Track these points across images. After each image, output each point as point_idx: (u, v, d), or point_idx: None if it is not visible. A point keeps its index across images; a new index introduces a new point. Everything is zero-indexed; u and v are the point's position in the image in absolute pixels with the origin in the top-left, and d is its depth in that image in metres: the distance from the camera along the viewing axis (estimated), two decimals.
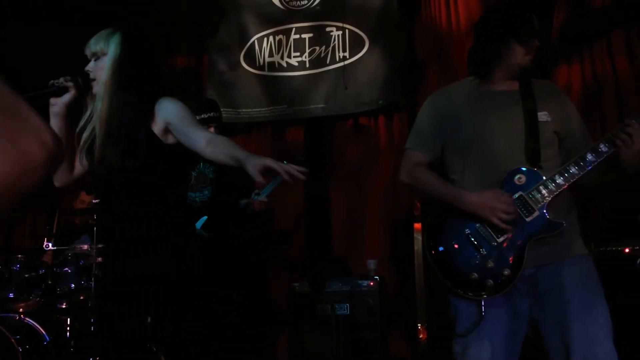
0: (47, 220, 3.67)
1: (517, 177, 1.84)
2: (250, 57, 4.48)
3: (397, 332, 3.93)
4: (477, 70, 1.99)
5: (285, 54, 4.41)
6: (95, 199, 3.32)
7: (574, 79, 3.69)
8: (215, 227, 3.04)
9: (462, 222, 1.87)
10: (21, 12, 4.15)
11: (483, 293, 1.82)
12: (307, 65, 4.35)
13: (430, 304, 3.78)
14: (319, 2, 4.38)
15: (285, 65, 4.41)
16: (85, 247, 3.36)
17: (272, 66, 4.44)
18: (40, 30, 4.12)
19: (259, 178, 1.71)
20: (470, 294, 1.84)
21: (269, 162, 1.72)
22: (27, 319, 3.13)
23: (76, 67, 2.00)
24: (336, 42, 4.29)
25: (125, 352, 1.93)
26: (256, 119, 4.43)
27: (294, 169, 1.74)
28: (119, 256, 1.97)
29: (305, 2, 4.41)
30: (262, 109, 4.41)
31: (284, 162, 3.30)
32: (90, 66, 1.96)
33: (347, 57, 4.25)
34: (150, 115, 1.91)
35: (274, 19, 4.47)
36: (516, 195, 1.84)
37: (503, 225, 1.79)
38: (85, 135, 1.97)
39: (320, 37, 4.34)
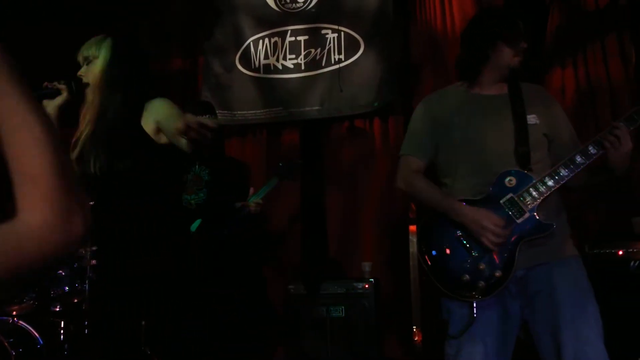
0: None
1: (507, 179, 1.86)
2: (246, 59, 4.49)
3: (392, 335, 3.93)
4: (466, 74, 2.02)
5: (281, 56, 4.41)
6: (90, 201, 3.31)
7: (567, 81, 3.71)
8: (211, 229, 3.04)
9: (454, 224, 1.88)
10: (21, 12, 4.14)
11: (475, 295, 1.83)
12: (303, 67, 4.36)
13: (425, 306, 3.77)
14: (315, 5, 4.38)
15: (280, 67, 4.41)
16: (80, 249, 3.34)
17: (267, 68, 4.44)
18: (40, 30, 4.10)
19: (180, 143, 1.73)
20: (462, 296, 1.85)
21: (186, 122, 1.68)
22: (20, 322, 3.11)
23: (75, 67, 2.03)
24: (331, 44, 4.30)
25: (125, 352, 1.94)
26: (251, 121, 4.43)
27: (204, 119, 1.71)
28: (119, 256, 1.98)
29: (301, 4, 4.42)
30: (258, 111, 4.40)
31: (279, 165, 3.31)
32: (82, 70, 2.00)
33: (343, 59, 4.25)
34: (139, 115, 1.93)
35: (270, 21, 4.47)
36: (507, 197, 1.85)
37: (490, 246, 1.81)
38: (77, 137, 1.98)
39: (316, 40, 4.35)
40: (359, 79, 4.19)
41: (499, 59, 1.93)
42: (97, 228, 1.93)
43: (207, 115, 3.15)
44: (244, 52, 4.49)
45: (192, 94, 4.61)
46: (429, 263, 1.91)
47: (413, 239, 3.98)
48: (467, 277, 1.84)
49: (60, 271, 3.27)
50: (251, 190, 3.28)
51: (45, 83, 1.96)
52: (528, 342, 1.86)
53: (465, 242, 1.87)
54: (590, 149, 1.83)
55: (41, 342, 3.10)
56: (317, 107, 4.27)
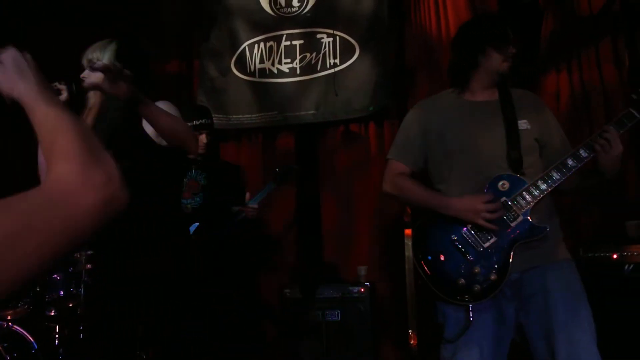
0: None
1: (500, 183, 1.88)
2: (241, 63, 4.49)
3: (387, 338, 3.93)
4: (457, 80, 2.05)
5: (276, 61, 4.42)
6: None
7: (562, 86, 3.73)
8: (209, 231, 3.05)
9: (448, 228, 1.89)
10: (21, 12, 4.14)
11: (470, 298, 1.84)
12: (298, 71, 4.37)
13: (420, 310, 3.78)
14: (310, 9, 4.39)
15: (276, 71, 4.42)
16: (75, 254, 3.33)
17: (262, 72, 4.45)
18: (40, 30, 4.09)
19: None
20: (457, 299, 1.86)
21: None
22: (15, 326, 3.09)
23: (75, 67, 2.04)
24: (327, 48, 4.31)
25: (125, 352, 1.94)
26: (247, 125, 4.43)
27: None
28: (119, 256, 1.98)
29: (296, 9, 4.43)
30: (253, 115, 4.41)
31: (276, 170, 3.32)
32: (85, 73, 2.01)
33: (338, 63, 4.26)
34: (140, 117, 1.94)
35: (265, 26, 4.48)
36: (500, 201, 1.86)
37: (489, 225, 1.82)
38: None
39: (311, 44, 4.36)
40: (354, 83, 4.20)
41: (489, 65, 1.96)
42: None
43: (204, 120, 3.15)
44: (239, 56, 4.50)
45: (187, 97, 4.61)
46: (425, 267, 1.92)
47: (408, 243, 3.99)
48: (462, 280, 1.85)
49: (55, 275, 3.26)
50: (247, 195, 3.29)
51: None
52: (523, 345, 1.87)
53: (460, 246, 1.88)
54: (581, 152, 1.86)
55: (36, 346, 3.08)
56: (312, 112, 4.28)
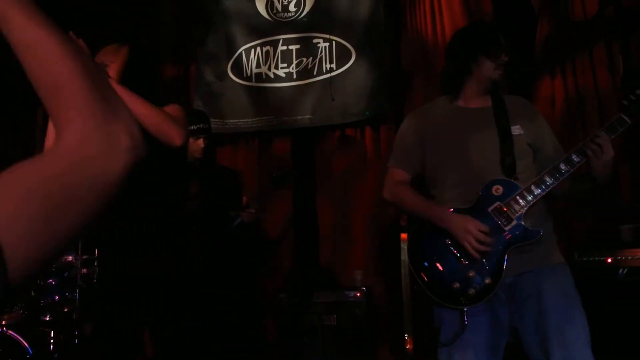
0: None
1: (494, 187, 1.90)
2: (238, 67, 4.50)
3: (383, 342, 3.93)
4: (450, 88, 2.07)
5: (273, 65, 4.43)
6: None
7: (557, 91, 3.75)
8: (207, 233, 3.06)
9: (443, 232, 1.91)
10: None
11: (465, 302, 1.85)
12: (294, 76, 4.38)
13: (416, 314, 3.78)
14: (307, 14, 4.41)
15: (272, 76, 4.43)
16: (70, 258, 3.32)
17: (259, 77, 4.46)
18: None
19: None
20: (453, 303, 1.87)
21: None
22: (9, 331, 3.08)
23: None
24: (323, 53, 4.32)
25: (125, 351, 1.95)
26: (243, 130, 4.44)
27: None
28: (119, 256, 1.99)
29: (293, 14, 4.45)
30: (249, 120, 4.42)
31: (273, 176, 3.33)
32: None
33: (334, 68, 4.28)
34: None
35: (262, 30, 4.49)
36: (494, 205, 1.89)
37: (472, 251, 1.83)
38: None
39: (308, 49, 4.37)
40: (350, 88, 4.21)
41: (481, 72, 1.99)
42: (101, 227, 1.95)
43: (201, 125, 3.16)
44: (236, 61, 4.51)
45: (184, 101, 4.61)
46: (420, 271, 1.93)
47: (404, 247, 3.99)
48: (457, 284, 1.86)
49: (50, 280, 3.25)
50: (244, 199, 3.29)
51: None
52: (518, 348, 1.88)
53: (454, 250, 1.89)
54: (573, 157, 1.88)
55: (31, 352, 3.07)
56: (308, 116, 4.29)
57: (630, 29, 3.48)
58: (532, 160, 1.98)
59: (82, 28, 1.98)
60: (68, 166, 0.56)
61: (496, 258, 1.85)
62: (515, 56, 2.05)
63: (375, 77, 4.16)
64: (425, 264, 1.92)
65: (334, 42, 4.31)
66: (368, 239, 4.16)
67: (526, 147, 1.96)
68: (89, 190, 0.57)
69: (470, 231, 1.83)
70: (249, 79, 4.47)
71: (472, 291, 1.84)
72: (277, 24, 4.47)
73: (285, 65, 4.41)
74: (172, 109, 2.04)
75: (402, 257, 3.91)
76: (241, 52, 4.51)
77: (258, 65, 4.46)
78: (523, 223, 1.86)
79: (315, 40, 4.37)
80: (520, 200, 1.87)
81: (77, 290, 3.09)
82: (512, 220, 1.87)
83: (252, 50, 4.49)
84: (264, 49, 4.47)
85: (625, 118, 1.88)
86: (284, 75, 4.41)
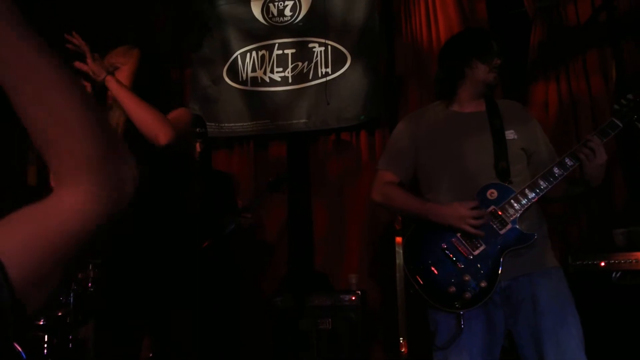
0: None
1: (489, 192, 1.91)
2: (233, 72, 4.51)
3: (378, 346, 3.93)
4: (444, 92, 2.09)
5: (268, 69, 4.44)
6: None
7: (550, 96, 3.78)
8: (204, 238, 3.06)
9: (439, 236, 1.92)
10: (21, 12, 4.13)
11: (461, 306, 1.85)
12: (290, 80, 4.39)
13: (411, 318, 3.79)
14: (302, 19, 4.43)
15: (268, 80, 4.44)
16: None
17: (255, 81, 4.47)
18: (40, 30, 4.08)
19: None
20: (449, 307, 1.87)
21: None
22: None
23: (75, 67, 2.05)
24: (318, 57, 4.34)
25: (124, 351, 1.95)
26: (239, 134, 4.44)
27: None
28: (119, 257, 1.99)
29: (289, 18, 4.46)
30: (245, 124, 4.42)
31: (269, 180, 3.33)
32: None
33: (330, 72, 4.29)
34: None
35: (257, 35, 4.50)
36: (489, 210, 1.90)
37: (474, 231, 1.85)
38: None
39: (303, 53, 4.39)
40: (345, 92, 4.23)
41: (475, 76, 2.01)
42: None
43: (197, 129, 3.16)
44: (231, 65, 4.52)
45: (179, 105, 4.60)
46: (416, 275, 1.93)
47: (399, 251, 4.00)
48: (453, 288, 1.87)
49: None
50: (239, 203, 3.29)
51: None
52: (513, 352, 1.89)
53: (450, 254, 1.90)
54: (566, 161, 1.90)
55: (24, 356, 3.05)
56: (304, 120, 4.30)
57: (623, 35, 3.52)
58: (526, 165, 1.99)
59: (82, 28, 2.00)
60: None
61: (491, 262, 1.86)
62: (508, 60, 2.07)
63: (370, 81, 4.18)
64: (421, 267, 1.93)
65: (329, 47, 4.33)
66: (363, 242, 4.16)
67: (520, 151, 1.97)
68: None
69: (465, 215, 1.85)
70: (244, 83, 4.48)
71: (468, 295, 1.85)
72: (273, 29, 4.48)
73: (280, 69, 4.42)
74: (177, 112, 2.06)
75: (397, 261, 3.91)
76: (237, 56, 4.52)
77: (254, 70, 4.47)
78: (518, 227, 1.88)
79: (310, 45, 4.38)
80: (515, 204, 1.89)
81: (72, 294, 3.07)
82: (507, 224, 1.88)
83: (248, 55, 4.50)
84: (260, 53, 4.48)
85: (617, 122, 1.90)
86: (279, 79, 4.42)
